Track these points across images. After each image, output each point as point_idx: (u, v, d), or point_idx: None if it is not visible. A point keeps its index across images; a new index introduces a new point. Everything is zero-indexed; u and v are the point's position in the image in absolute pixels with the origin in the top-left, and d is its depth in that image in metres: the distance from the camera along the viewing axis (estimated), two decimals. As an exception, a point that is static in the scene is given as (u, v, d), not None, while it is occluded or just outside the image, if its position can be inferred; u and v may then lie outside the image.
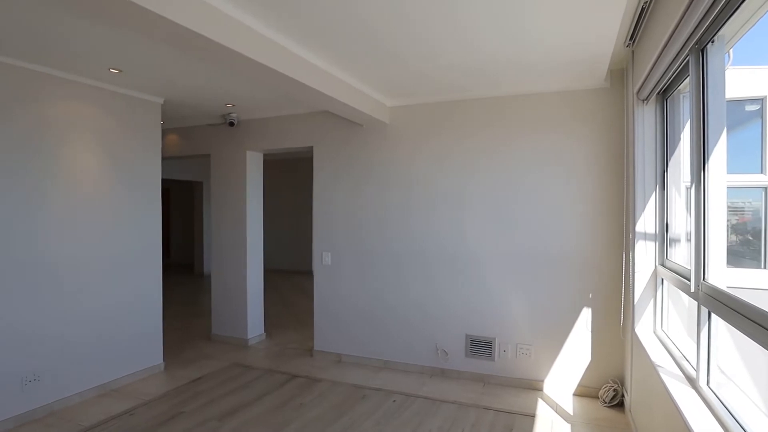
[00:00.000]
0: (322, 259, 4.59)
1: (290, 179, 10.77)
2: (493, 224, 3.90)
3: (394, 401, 3.55)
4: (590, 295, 3.61)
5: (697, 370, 1.96)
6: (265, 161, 5.48)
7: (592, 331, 3.62)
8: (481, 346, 3.96)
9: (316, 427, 3.14)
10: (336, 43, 2.78)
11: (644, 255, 2.93)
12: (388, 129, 4.29)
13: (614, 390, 3.43)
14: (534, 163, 3.76)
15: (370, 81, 3.58)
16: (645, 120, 2.89)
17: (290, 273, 10.52)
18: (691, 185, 2.00)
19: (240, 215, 5.05)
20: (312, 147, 4.71)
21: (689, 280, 2.03)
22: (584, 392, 3.64)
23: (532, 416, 3.30)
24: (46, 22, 2.52)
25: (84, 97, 3.58)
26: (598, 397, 3.54)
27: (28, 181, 3.22)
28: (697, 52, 1.92)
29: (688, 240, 2.24)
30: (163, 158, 5.21)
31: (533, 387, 3.79)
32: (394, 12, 2.34)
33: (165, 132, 5.49)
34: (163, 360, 4.29)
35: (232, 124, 4.83)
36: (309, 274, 10.25)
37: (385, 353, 4.33)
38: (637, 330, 2.93)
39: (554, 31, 2.57)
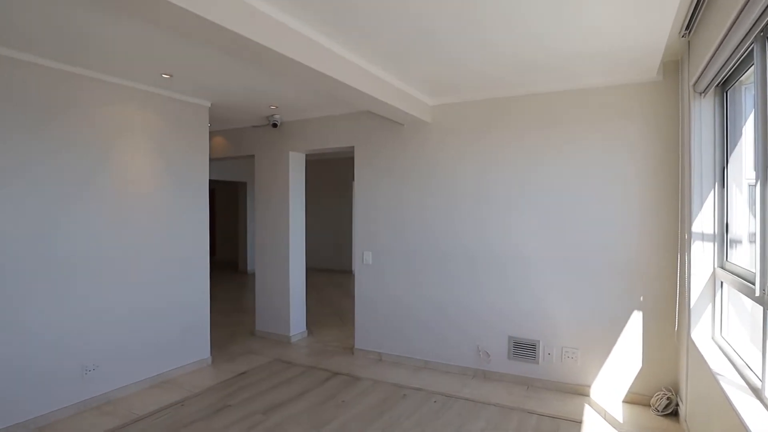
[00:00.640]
0: (364, 258, 4.62)
1: (331, 179, 10.90)
2: (539, 224, 3.80)
3: (435, 402, 3.52)
4: (641, 298, 3.46)
5: (762, 380, 1.83)
6: (307, 161, 5.57)
7: (643, 336, 3.46)
8: (524, 349, 3.87)
9: (358, 425, 3.16)
10: (380, 42, 2.79)
11: (701, 257, 2.78)
12: (430, 128, 4.27)
13: (668, 398, 3.27)
14: (581, 161, 3.64)
15: (412, 80, 3.57)
16: (702, 114, 2.74)
17: (331, 272, 10.66)
18: (756, 182, 1.87)
19: (283, 215, 5.16)
20: (353, 147, 4.75)
21: (754, 284, 1.90)
22: (635, 399, 3.49)
23: (578, 422, 3.19)
24: (105, 31, 2.66)
25: (138, 101, 3.76)
26: (649, 405, 3.39)
27: (86, 181, 3.41)
28: (762, 41, 1.80)
29: (752, 241, 2.11)
30: (210, 159, 5.39)
31: (579, 392, 3.67)
32: (442, 7, 2.32)
33: (212, 134, 5.68)
34: (211, 354, 4.44)
35: (275, 125, 4.94)
36: (349, 273, 10.37)
37: (426, 353, 4.30)
38: (693, 336, 2.78)
39: (605, 21, 2.47)
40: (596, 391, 3.62)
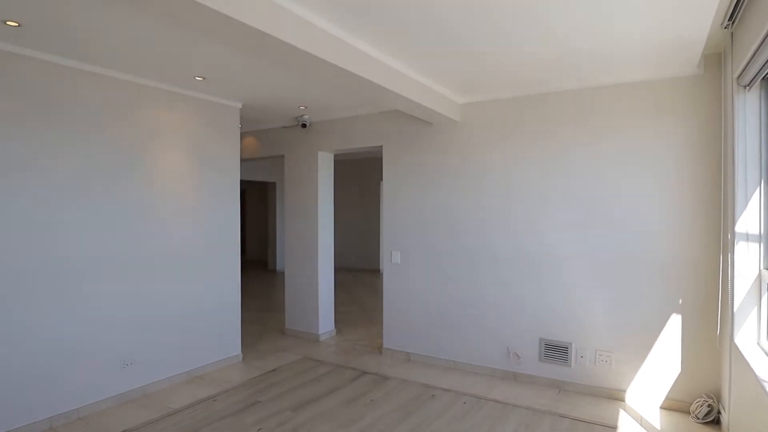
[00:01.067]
0: (392, 257, 4.62)
1: (359, 179, 10.95)
2: (572, 223, 3.71)
3: (465, 403, 3.49)
4: (680, 301, 3.33)
5: (814, 388, 1.74)
6: (335, 161, 5.62)
7: (682, 340, 3.33)
8: (556, 351, 3.79)
9: (386, 424, 3.15)
10: (410, 41, 2.78)
11: (746, 258, 2.65)
12: (459, 126, 4.23)
13: (708, 405, 3.14)
14: (617, 159, 3.54)
15: (442, 78, 3.55)
16: (747, 108, 2.61)
17: (358, 271, 10.71)
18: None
19: (311, 214, 5.21)
20: (381, 146, 4.75)
21: (805, 286, 1.80)
22: (673, 406, 3.36)
23: (613, 428, 3.10)
24: (143, 37, 2.74)
25: (173, 104, 3.86)
26: (689, 412, 3.26)
27: (126, 181, 3.52)
28: (815, 29, 1.70)
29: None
30: (241, 160, 5.49)
31: (614, 397, 3.57)
32: (471, 4, 2.29)
33: (242, 135, 5.79)
34: (241, 351, 4.52)
35: (304, 125, 4.99)
36: (377, 272, 10.39)
37: (455, 354, 4.27)
38: (736, 340, 2.65)
39: (643, 12, 2.39)
40: (632, 396, 3.51)
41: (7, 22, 2.53)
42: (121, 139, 3.49)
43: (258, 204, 13.21)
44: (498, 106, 4.02)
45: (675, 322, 3.35)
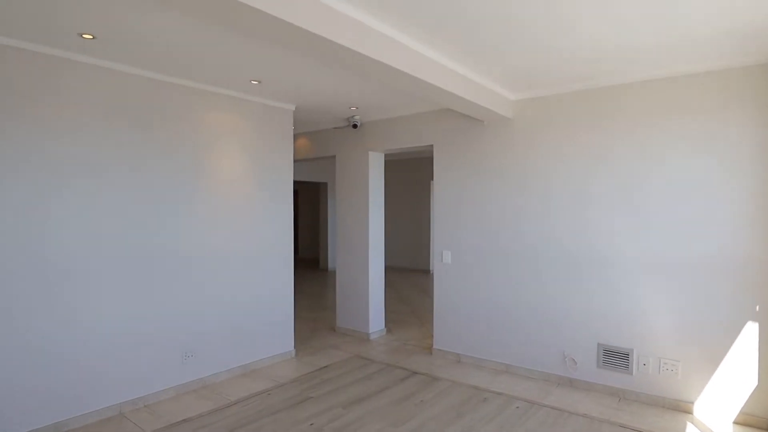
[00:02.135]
0: (442, 257, 4.58)
1: (410, 178, 10.95)
2: (637, 224, 3.52)
3: (517, 408, 3.39)
4: (757, 308, 3.07)
5: None
6: (385, 161, 5.64)
7: (759, 350, 3.08)
8: (616, 357, 3.61)
9: (436, 425, 3.13)
10: (464, 37, 2.74)
11: (836, 262, 2.40)
12: (512, 124, 4.12)
13: (790, 422, 2.87)
14: (686, 154, 3.32)
15: (492, 74, 3.47)
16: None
17: (408, 271, 10.70)
18: None
19: (362, 214, 5.26)
20: (432, 145, 4.72)
21: None
22: (748, 421, 3.11)
23: (679, 441, 2.91)
24: (200, 42, 2.87)
25: (229, 107, 4.02)
26: (766, 429, 3.00)
27: (183, 183, 3.71)
28: None
29: None
30: (294, 161, 5.63)
31: (680, 408, 3.35)
32: (520, -1, 2.23)
33: (295, 136, 5.94)
34: (294, 347, 4.64)
35: (355, 126, 5.05)
36: (427, 273, 10.34)
37: (507, 357, 4.16)
38: (824, 352, 2.41)
39: None
40: (701, 409, 3.28)
41: (83, 35, 2.73)
42: (182, 144, 3.67)
43: (310, 204, 13.51)
44: (551, 101, 3.89)
45: (751, 330, 3.10)
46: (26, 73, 2.86)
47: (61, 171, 3.02)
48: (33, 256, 2.90)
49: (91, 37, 2.75)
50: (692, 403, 3.31)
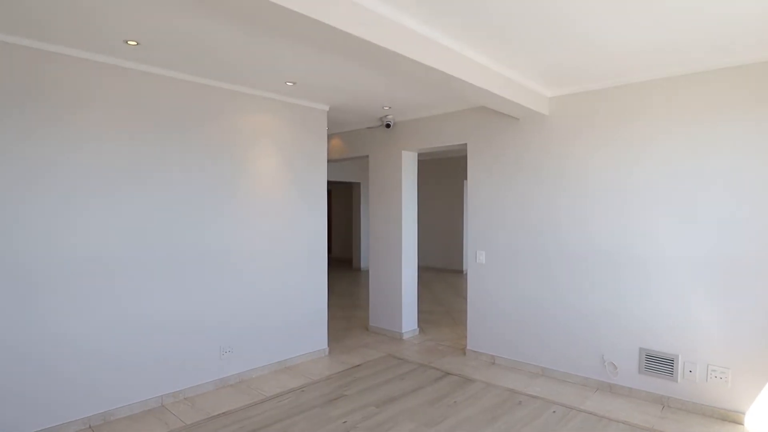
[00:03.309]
0: (476, 257, 4.52)
1: (443, 178, 10.87)
2: (681, 223, 3.37)
3: (554, 412, 3.31)
4: (816, 314, 2.88)
5: None
6: (419, 160, 5.62)
7: (818, 359, 2.88)
8: (659, 363, 3.46)
9: (470, 426, 3.09)
10: (499, 31, 2.70)
11: None
12: (549, 121, 4.03)
13: None
14: (732, 150, 3.15)
15: (527, 70, 3.40)
16: None
17: (441, 271, 10.63)
18: None
19: (395, 213, 5.26)
20: (466, 144, 4.67)
21: None
22: (806, 434, 2.92)
23: (729, 453, 2.76)
24: (237, 45, 2.94)
25: (266, 108, 4.10)
26: (827, 443, 2.81)
27: (222, 183, 3.80)
28: None
29: None
30: (327, 161, 5.69)
31: (730, 419, 3.18)
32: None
33: (329, 136, 6.00)
34: (328, 345, 4.68)
35: (388, 125, 5.05)
36: (460, 273, 10.24)
37: (543, 359, 4.07)
38: None
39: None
40: (753, 420, 3.10)
41: (128, 42, 2.85)
42: (221, 145, 3.77)
43: (343, 204, 13.62)
44: (590, 98, 3.77)
45: (809, 337, 2.91)
46: (72, 78, 3.01)
47: (106, 175, 3.16)
48: (83, 255, 3.05)
49: (135, 43, 2.86)
50: (743, 413, 3.14)
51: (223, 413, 3.30)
